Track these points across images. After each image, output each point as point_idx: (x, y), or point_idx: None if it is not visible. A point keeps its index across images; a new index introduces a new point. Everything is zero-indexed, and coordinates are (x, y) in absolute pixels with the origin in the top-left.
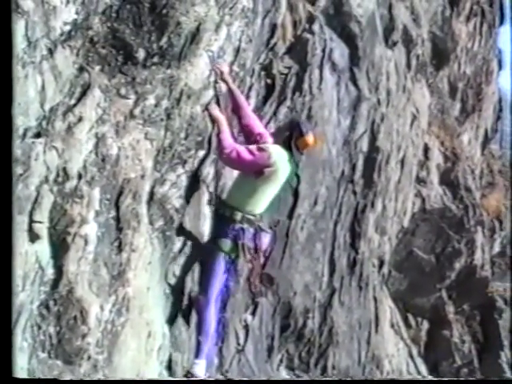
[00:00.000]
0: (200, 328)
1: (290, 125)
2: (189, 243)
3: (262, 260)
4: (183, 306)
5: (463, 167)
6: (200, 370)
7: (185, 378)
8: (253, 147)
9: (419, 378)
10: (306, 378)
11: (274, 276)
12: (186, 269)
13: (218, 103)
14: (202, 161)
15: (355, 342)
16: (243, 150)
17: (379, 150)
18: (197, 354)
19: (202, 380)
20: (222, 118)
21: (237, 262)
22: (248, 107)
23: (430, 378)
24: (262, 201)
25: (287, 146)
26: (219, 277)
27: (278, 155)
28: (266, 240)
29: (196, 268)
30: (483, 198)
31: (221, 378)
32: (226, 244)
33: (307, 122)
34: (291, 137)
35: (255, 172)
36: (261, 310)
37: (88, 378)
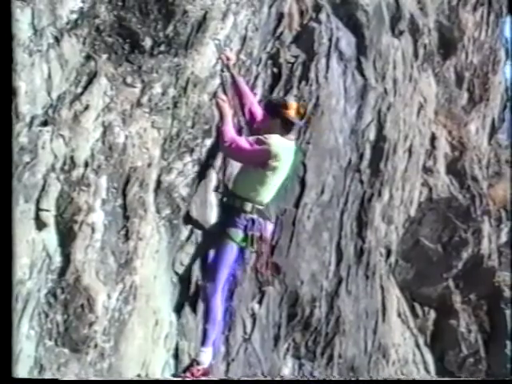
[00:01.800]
0: (207, 316)
1: (265, 108)
2: (196, 232)
3: (268, 249)
4: (190, 294)
5: (470, 157)
6: (206, 358)
7: (186, 379)
8: (253, 139)
9: (424, 375)
10: (312, 366)
11: (281, 265)
12: (196, 257)
13: (224, 92)
14: (209, 149)
15: (362, 331)
16: (243, 143)
17: (386, 139)
18: (203, 342)
19: (202, 380)
20: (226, 110)
21: (245, 252)
22: (251, 96)
23: (430, 377)
24: (270, 191)
25: (288, 129)
26: (228, 266)
27: (279, 146)
28: (269, 228)
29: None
30: (490, 188)
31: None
32: (237, 234)
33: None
34: (281, 119)
35: (259, 164)
36: (268, 298)
37: (94, 366)
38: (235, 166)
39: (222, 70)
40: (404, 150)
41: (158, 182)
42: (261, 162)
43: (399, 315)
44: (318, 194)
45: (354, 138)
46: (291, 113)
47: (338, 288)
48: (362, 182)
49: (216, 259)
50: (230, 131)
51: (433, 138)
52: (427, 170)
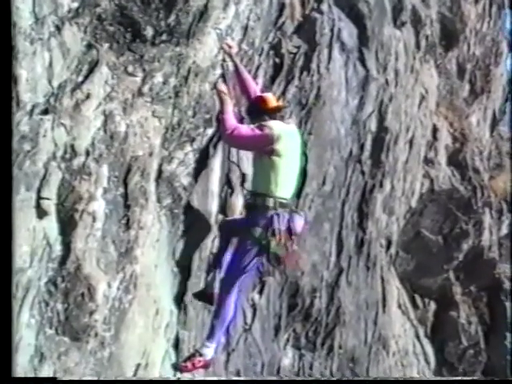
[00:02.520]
0: (218, 312)
1: (249, 114)
2: (197, 221)
3: (296, 242)
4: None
5: (471, 148)
6: (209, 352)
7: (186, 367)
8: (255, 126)
9: (425, 368)
10: (312, 357)
11: (282, 255)
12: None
13: (225, 81)
14: (210, 139)
15: (362, 322)
16: (245, 129)
17: (387, 130)
18: (209, 337)
19: (202, 380)
20: (227, 99)
21: (267, 249)
22: (254, 83)
23: (432, 368)
24: (287, 180)
25: (279, 116)
26: (246, 267)
27: (280, 129)
28: (300, 222)
29: (204, 247)
30: (491, 180)
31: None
32: (257, 231)
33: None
34: (259, 115)
35: (262, 149)
36: (268, 289)
37: (95, 355)
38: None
39: (224, 60)
40: (405, 141)
41: (159, 172)
42: (263, 146)
43: (399, 306)
44: (319, 184)
45: (356, 129)
46: (271, 103)
47: (339, 279)
48: (363, 172)
49: (235, 260)
50: (230, 119)
51: (434, 130)
52: (428, 162)
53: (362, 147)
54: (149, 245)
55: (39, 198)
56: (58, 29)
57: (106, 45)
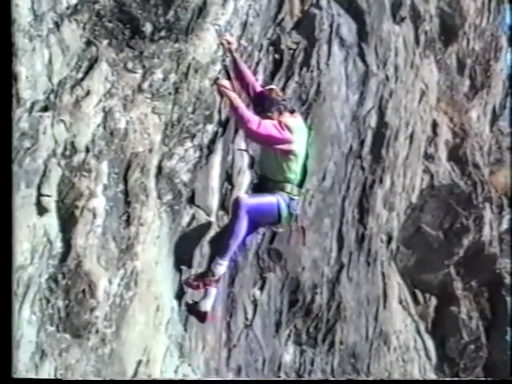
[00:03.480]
0: (233, 229)
1: (255, 107)
2: (197, 217)
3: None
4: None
5: (472, 143)
6: (221, 270)
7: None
8: (277, 123)
9: (425, 361)
10: (313, 352)
11: (282, 251)
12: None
13: (228, 77)
14: (211, 135)
15: (363, 318)
16: (269, 125)
17: (388, 126)
18: (222, 254)
19: (202, 380)
20: (232, 94)
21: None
22: (252, 77)
23: (433, 366)
24: (298, 171)
25: (279, 110)
26: (261, 209)
27: (296, 128)
28: (298, 206)
29: (204, 243)
30: (491, 175)
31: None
32: (284, 205)
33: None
34: (266, 108)
35: (280, 149)
36: (269, 285)
37: (96, 352)
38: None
39: (225, 55)
40: (405, 136)
41: (160, 168)
42: (282, 147)
43: (400, 302)
44: (319, 180)
45: (356, 125)
46: (273, 95)
47: (339, 274)
48: (363, 168)
49: (261, 197)
50: (249, 113)
51: (434, 125)
52: (429, 157)
53: (362, 143)
54: (149, 241)
55: (39, 194)
56: (57, 25)
57: (106, 41)
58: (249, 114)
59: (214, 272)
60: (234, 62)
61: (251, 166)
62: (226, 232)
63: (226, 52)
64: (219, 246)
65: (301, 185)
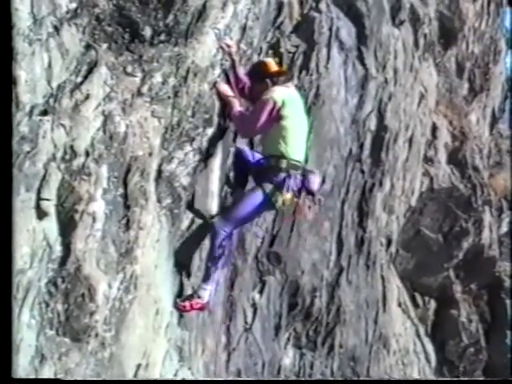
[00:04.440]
0: (213, 254)
1: (251, 75)
2: (197, 221)
3: (311, 199)
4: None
5: (471, 146)
6: (206, 294)
7: (185, 307)
8: (257, 105)
9: (424, 364)
10: (312, 356)
11: (282, 255)
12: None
13: (226, 81)
14: (210, 138)
15: (362, 321)
16: (257, 118)
17: (387, 129)
18: (205, 279)
19: (202, 380)
20: (231, 98)
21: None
22: (247, 79)
23: (430, 368)
24: (298, 143)
25: (278, 81)
26: (248, 214)
27: (283, 95)
28: (316, 179)
29: (204, 247)
30: (491, 178)
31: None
32: (268, 187)
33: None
34: (269, 78)
35: (272, 118)
36: (268, 288)
37: (95, 356)
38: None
39: (226, 59)
40: (405, 139)
41: (159, 172)
42: (271, 115)
43: (400, 305)
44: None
45: (355, 128)
46: (273, 67)
47: (339, 278)
48: (362, 171)
49: (239, 203)
50: (245, 117)
51: (434, 128)
52: (428, 160)
53: (361, 146)
54: (149, 245)
55: (39, 198)
56: (57, 29)
57: (105, 45)
58: (246, 117)
59: (199, 295)
60: (233, 65)
61: None
62: (207, 256)
63: (226, 55)
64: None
65: (299, 158)
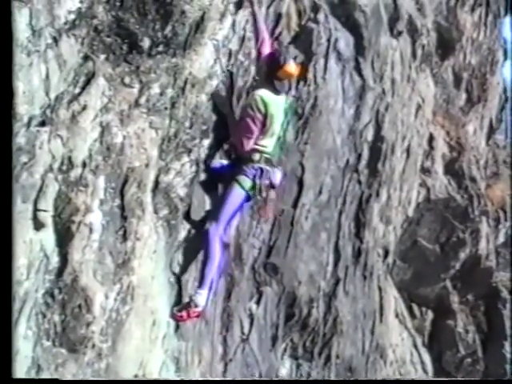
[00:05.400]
0: (206, 258)
1: (268, 59)
2: (194, 232)
3: (275, 195)
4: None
5: (468, 157)
6: (202, 300)
7: (182, 317)
8: (247, 118)
9: (423, 377)
10: (309, 366)
11: (279, 265)
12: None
13: (227, 92)
14: (207, 150)
15: (359, 332)
16: (249, 136)
17: (384, 140)
18: (200, 284)
19: (202, 380)
20: (231, 115)
21: (249, 201)
22: (266, 34)
23: (430, 377)
24: (272, 138)
25: (269, 82)
26: (232, 209)
27: (266, 97)
28: (278, 175)
29: (200, 257)
30: (488, 188)
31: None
32: (246, 182)
33: (286, 51)
34: (270, 71)
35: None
36: (265, 299)
37: (92, 366)
38: None
39: (223, 71)
40: (402, 150)
41: (156, 183)
42: (259, 121)
43: (397, 316)
44: (315, 194)
45: (352, 139)
46: (284, 76)
47: (336, 288)
48: (359, 182)
49: (222, 202)
50: (245, 141)
51: (431, 139)
52: (425, 171)
53: (358, 157)
54: (146, 256)
55: (36, 209)
56: (55, 41)
57: (103, 56)
58: (244, 141)
59: (195, 302)
60: (253, 14)
61: None
62: (201, 262)
63: (247, 2)
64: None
65: (271, 152)
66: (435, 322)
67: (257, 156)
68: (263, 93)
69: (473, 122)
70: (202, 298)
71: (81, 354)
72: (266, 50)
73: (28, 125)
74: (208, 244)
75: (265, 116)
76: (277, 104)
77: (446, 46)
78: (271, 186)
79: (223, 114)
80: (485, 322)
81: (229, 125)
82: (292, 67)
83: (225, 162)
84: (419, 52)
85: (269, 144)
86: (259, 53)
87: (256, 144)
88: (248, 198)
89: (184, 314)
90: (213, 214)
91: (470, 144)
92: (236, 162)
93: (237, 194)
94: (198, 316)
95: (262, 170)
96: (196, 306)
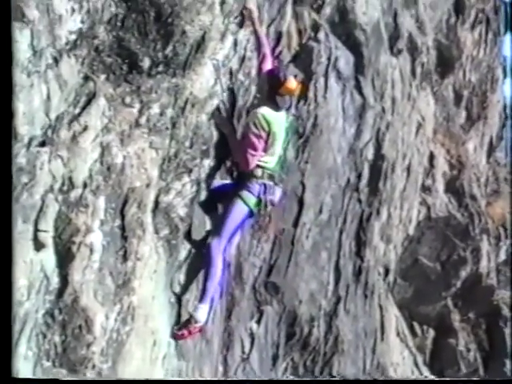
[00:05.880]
0: (207, 272)
1: (269, 76)
2: (194, 252)
3: (276, 212)
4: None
5: (468, 175)
6: (202, 315)
7: (183, 335)
8: (250, 135)
9: (420, 377)
10: None
11: (280, 284)
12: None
13: (227, 112)
14: (208, 170)
15: (360, 351)
16: (252, 152)
17: (384, 158)
18: (201, 299)
19: (202, 380)
20: (230, 134)
21: (253, 217)
22: (268, 49)
23: (430, 377)
24: (275, 156)
25: (271, 98)
26: (235, 225)
27: (268, 116)
28: (278, 193)
29: (200, 276)
30: (488, 206)
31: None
32: (250, 198)
33: (285, 68)
34: (272, 87)
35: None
36: (266, 318)
37: None
38: None
39: (223, 91)
40: (402, 168)
41: (156, 203)
42: (263, 139)
43: (398, 334)
44: (316, 213)
45: (353, 157)
46: (285, 92)
47: (337, 307)
48: (360, 201)
49: (225, 217)
50: (247, 156)
51: (431, 157)
52: (426, 189)
53: (359, 175)
54: (146, 276)
55: (36, 230)
56: (56, 61)
57: (103, 76)
58: (247, 157)
59: (195, 317)
60: (255, 31)
61: None
62: (203, 277)
63: (247, 21)
64: (199, 291)
65: (273, 168)
66: (436, 340)
67: (259, 172)
68: (265, 111)
69: (473, 139)
70: (202, 312)
71: (81, 374)
72: (267, 66)
73: (28, 145)
74: (210, 258)
75: (268, 133)
76: (279, 122)
77: (446, 63)
78: (271, 203)
79: (223, 134)
80: (486, 341)
81: (230, 144)
82: (293, 83)
83: (226, 181)
84: (419, 70)
85: (271, 160)
86: (260, 69)
87: (258, 160)
88: (251, 215)
89: (185, 331)
90: (215, 230)
91: (470, 162)
92: (238, 180)
93: (239, 210)
94: (199, 331)
95: (265, 185)
96: (196, 321)
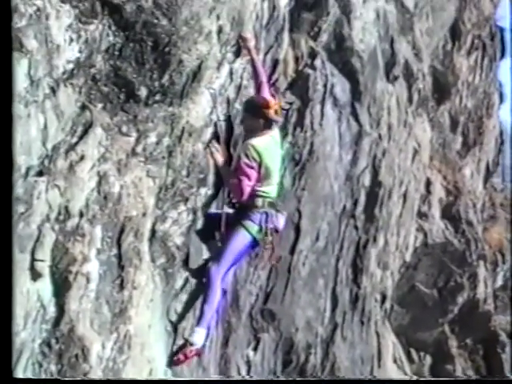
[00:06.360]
0: (206, 297)
1: (247, 109)
2: (191, 281)
3: (279, 241)
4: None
5: (465, 201)
6: (199, 339)
7: (179, 359)
8: (243, 166)
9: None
10: None
11: (276, 312)
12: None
13: (218, 140)
14: (204, 198)
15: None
16: (246, 182)
17: (381, 185)
18: (198, 322)
19: (202, 380)
20: (220, 159)
21: (255, 246)
22: (264, 77)
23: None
24: (273, 185)
25: (269, 126)
26: (237, 253)
27: (261, 146)
28: (282, 221)
29: (197, 304)
30: (485, 232)
31: None
32: (253, 228)
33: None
34: (255, 115)
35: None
36: (263, 345)
37: None
38: None
39: (219, 119)
40: (399, 195)
41: (153, 231)
42: (255, 169)
43: (395, 361)
44: (312, 240)
45: (349, 184)
46: (272, 112)
47: (334, 334)
48: (356, 228)
49: (226, 245)
50: (242, 186)
51: (428, 183)
52: (422, 215)
53: (355, 202)
54: (143, 305)
55: (33, 259)
56: (53, 91)
57: (100, 105)
58: (242, 187)
59: (191, 341)
60: (252, 60)
61: None
62: (202, 300)
63: (244, 50)
64: (197, 315)
65: (273, 195)
66: (434, 366)
67: (259, 201)
68: (255, 141)
69: (469, 165)
70: (199, 336)
71: None
72: (265, 93)
73: (26, 175)
74: (209, 283)
75: (259, 164)
76: (270, 152)
77: (442, 90)
78: (275, 230)
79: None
80: (483, 366)
81: (222, 175)
82: (269, 99)
83: (225, 210)
84: (415, 97)
85: (271, 190)
86: (259, 89)
87: (257, 190)
88: (253, 244)
89: (181, 356)
90: (215, 256)
91: (467, 188)
92: (240, 209)
93: (241, 238)
94: (196, 355)
95: (267, 214)
96: (192, 344)
